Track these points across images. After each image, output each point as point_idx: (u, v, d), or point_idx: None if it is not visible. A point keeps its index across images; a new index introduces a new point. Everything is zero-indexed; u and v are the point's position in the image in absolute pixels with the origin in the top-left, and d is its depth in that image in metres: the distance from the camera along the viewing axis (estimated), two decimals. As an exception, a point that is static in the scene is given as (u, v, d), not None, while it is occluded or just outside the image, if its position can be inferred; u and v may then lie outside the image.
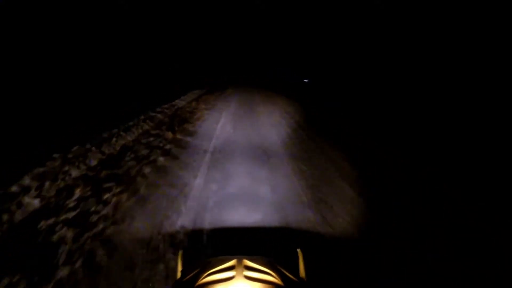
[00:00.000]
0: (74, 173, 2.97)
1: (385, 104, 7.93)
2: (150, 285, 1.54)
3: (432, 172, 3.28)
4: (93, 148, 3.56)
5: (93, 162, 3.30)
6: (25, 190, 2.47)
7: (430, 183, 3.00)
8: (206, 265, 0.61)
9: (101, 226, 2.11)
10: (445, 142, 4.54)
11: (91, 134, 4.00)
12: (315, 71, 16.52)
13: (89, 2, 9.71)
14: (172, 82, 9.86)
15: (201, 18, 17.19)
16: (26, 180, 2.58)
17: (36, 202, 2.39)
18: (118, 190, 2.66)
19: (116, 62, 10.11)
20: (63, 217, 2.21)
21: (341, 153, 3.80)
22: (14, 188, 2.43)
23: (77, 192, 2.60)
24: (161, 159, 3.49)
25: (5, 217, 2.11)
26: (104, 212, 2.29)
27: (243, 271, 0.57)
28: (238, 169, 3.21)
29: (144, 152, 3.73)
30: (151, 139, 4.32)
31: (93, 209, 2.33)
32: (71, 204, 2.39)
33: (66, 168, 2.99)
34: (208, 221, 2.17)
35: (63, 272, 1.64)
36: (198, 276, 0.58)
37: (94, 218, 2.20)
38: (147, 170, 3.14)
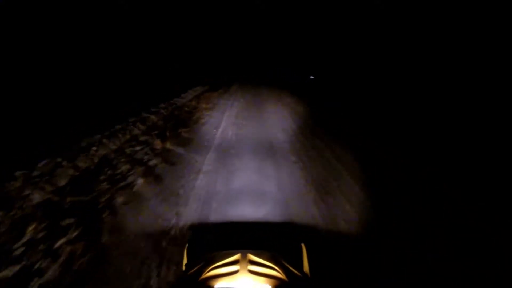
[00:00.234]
0: (36, 198, 2.35)
1: (385, 104, 7.94)
2: None
3: (432, 172, 3.28)
4: (65, 163, 2.96)
5: (62, 182, 2.69)
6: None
7: (430, 183, 3.01)
8: (211, 259, 0.61)
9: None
10: (445, 142, 4.55)
11: (67, 144, 3.42)
12: (315, 71, 16.53)
13: (89, 2, 9.71)
14: (172, 82, 9.84)
15: (201, 18, 17.22)
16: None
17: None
18: (74, 234, 2.00)
19: (116, 62, 10.11)
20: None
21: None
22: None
23: (30, 231, 1.99)
24: (139, 182, 2.83)
25: None
26: (49, 274, 1.64)
27: (247, 265, 0.57)
28: (239, 208, 2.36)
29: (124, 168, 3.13)
30: (137, 148, 3.77)
31: (37, 265, 1.70)
32: (17, 252, 1.79)
33: (27, 191, 2.38)
34: None
35: None
36: (202, 270, 0.58)
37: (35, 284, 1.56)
38: (119, 199, 2.49)
